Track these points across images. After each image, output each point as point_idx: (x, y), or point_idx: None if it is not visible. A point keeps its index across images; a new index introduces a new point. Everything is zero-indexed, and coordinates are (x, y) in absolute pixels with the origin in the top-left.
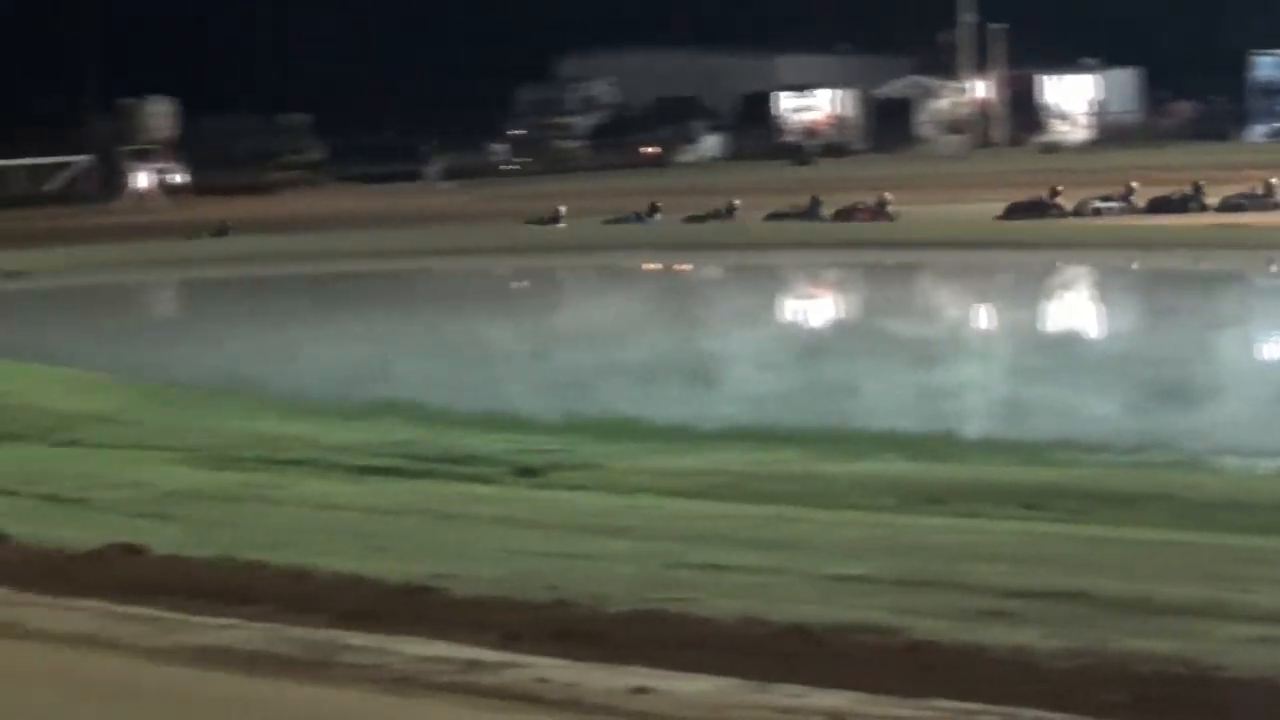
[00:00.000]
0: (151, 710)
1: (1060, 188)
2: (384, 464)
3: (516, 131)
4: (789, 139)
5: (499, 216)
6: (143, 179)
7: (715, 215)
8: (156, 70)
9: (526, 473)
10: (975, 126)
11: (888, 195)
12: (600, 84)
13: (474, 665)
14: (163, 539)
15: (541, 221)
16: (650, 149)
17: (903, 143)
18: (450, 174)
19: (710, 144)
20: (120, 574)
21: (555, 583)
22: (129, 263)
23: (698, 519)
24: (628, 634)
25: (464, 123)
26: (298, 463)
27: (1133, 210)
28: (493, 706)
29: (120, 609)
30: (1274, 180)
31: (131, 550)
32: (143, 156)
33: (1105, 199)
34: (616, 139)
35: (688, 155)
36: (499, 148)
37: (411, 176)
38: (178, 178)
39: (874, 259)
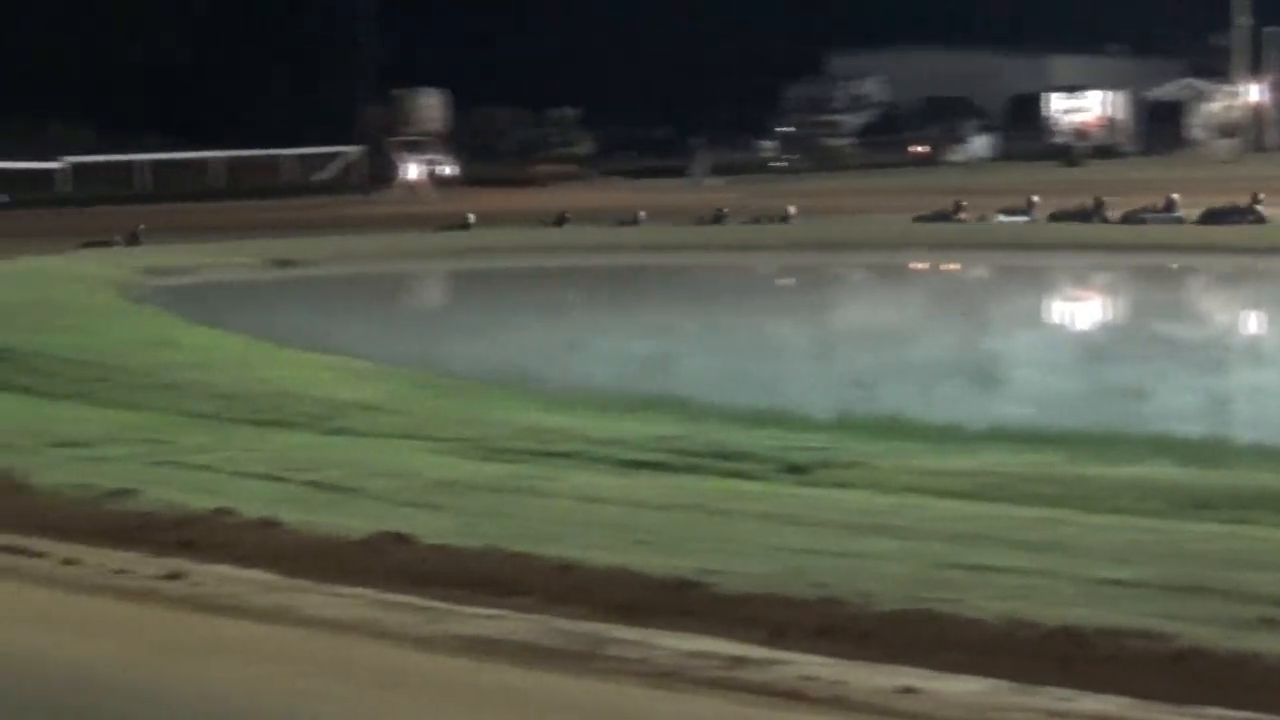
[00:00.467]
0: (420, 699)
1: (964, 201)
2: (651, 458)
3: (785, 128)
4: (1059, 140)
5: (762, 213)
6: (412, 170)
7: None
8: (429, 62)
9: (794, 470)
10: (1248, 130)
11: (791, 209)
12: (870, 82)
13: (739, 661)
14: (431, 529)
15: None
16: (919, 148)
17: (1174, 146)
18: (717, 170)
19: (980, 144)
20: (389, 563)
21: (822, 580)
22: (397, 253)
23: (964, 519)
24: (894, 633)
25: (732, 119)
26: (564, 455)
27: (1035, 222)
28: (757, 703)
29: (389, 597)
30: (1175, 196)
31: (400, 539)
32: (413, 147)
33: (1009, 211)
34: (885, 137)
35: (957, 155)
36: (767, 144)
37: (678, 172)
38: (447, 169)
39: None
